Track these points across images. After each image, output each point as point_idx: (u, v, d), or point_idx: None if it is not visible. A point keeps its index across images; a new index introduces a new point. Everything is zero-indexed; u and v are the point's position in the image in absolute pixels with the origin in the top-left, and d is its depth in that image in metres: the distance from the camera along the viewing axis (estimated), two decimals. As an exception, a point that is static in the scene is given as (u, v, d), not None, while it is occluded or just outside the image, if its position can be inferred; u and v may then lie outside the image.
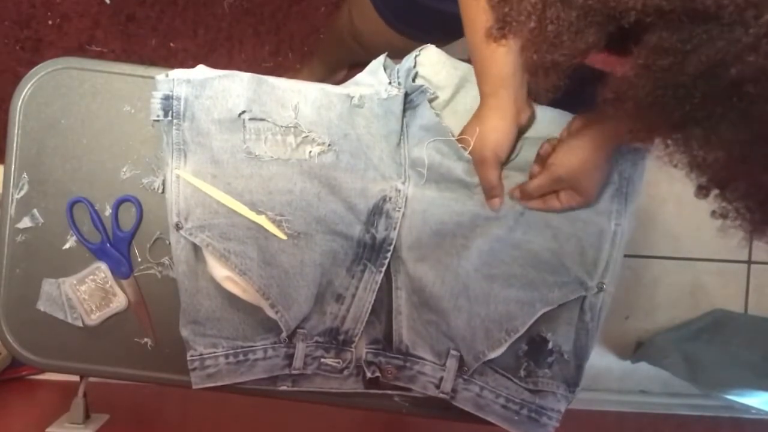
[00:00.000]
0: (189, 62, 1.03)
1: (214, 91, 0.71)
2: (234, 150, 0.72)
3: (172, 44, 1.52)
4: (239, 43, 1.54)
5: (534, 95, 0.63)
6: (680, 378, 1.43)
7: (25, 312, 0.77)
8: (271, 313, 0.72)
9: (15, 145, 0.77)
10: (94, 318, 0.77)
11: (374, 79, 0.76)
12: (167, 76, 0.72)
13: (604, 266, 0.75)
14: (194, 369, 0.74)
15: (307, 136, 0.72)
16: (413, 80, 0.75)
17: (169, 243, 0.74)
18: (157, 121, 0.72)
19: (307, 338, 0.75)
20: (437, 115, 0.74)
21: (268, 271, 0.71)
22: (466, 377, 0.75)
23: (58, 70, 0.77)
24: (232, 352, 0.74)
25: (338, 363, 0.76)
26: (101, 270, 0.77)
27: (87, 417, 0.82)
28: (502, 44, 0.60)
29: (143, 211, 0.77)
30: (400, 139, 0.76)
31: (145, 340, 0.78)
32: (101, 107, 0.77)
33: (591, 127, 0.66)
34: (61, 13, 1.49)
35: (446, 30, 0.79)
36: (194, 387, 0.74)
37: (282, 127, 0.72)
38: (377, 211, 0.74)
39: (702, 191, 0.47)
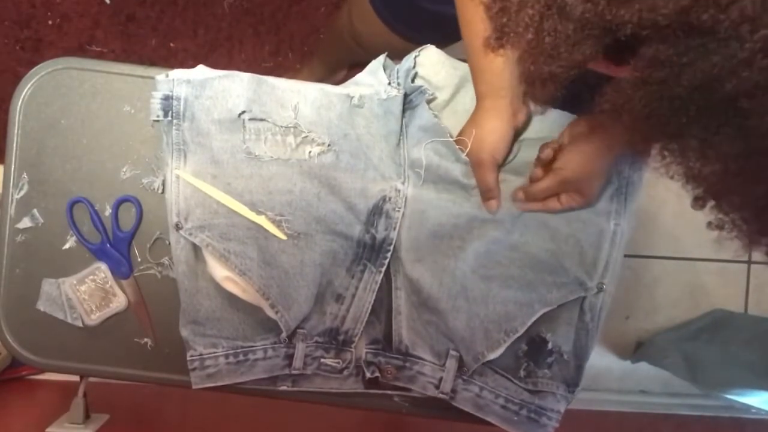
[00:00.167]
0: (189, 62, 1.03)
1: (214, 91, 0.71)
2: (234, 150, 0.72)
3: (172, 44, 1.52)
4: (239, 43, 1.54)
5: (532, 102, 0.63)
6: (680, 378, 1.43)
7: (25, 312, 0.77)
8: (271, 313, 0.72)
9: (15, 145, 0.77)
10: (94, 318, 0.77)
11: (374, 80, 0.76)
12: (167, 76, 0.72)
13: (603, 266, 0.75)
14: (194, 369, 0.74)
15: (306, 136, 0.72)
16: (413, 81, 0.75)
17: (169, 243, 0.74)
18: (157, 121, 0.72)
19: (307, 338, 0.75)
20: (435, 116, 0.74)
21: (268, 271, 0.71)
22: (465, 377, 0.75)
23: (58, 70, 0.77)
24: (232, 352, 0.74)
25: (338, 363, 0.76)
26: (101, 270, 0.77)
27: (87, 417, 0.82)
28: (499, 53, 0.60)
29: (143, 211, 0.77)
30: (399, 140, 0.76)
31: (145, 340, 0.78)
32: (101, 107, 0.77)
33: (599, 132, 0.66)
34: (61, 13, 1.49)
35: (445, 32, 0.79)
36: (194, 387, 0.74)
37: (282, 127, 0.72)
38: (377, 211, 0.74)
39: (698, 202, 0.47)
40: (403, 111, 0.75)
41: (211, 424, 1.00)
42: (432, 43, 0.77)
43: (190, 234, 0.71)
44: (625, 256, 0.76)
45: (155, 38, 1.51)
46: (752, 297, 1.65)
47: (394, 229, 0.74)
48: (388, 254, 0.75)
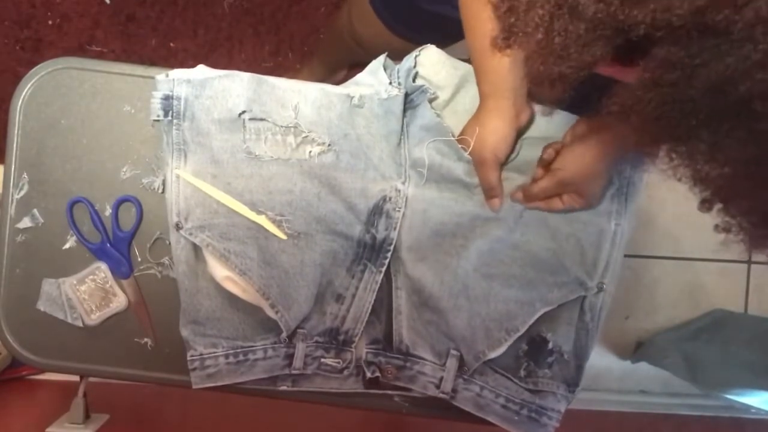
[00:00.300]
0: (189, 62, 1.03)
1: (214, 91, 0.71)
2: (234, 150, 0.72)
3: (172, 44, 1.52)
4: (239, 43, 1.54)
5: (538, 103, 0.63)
6: (680, 378, 1.43)
7: (25, 312, 0.77)
8: (271, 313, 0.72)
9: (15, 145, 0.77)
10: (94, 318, 0.77)
11: (374, 79, 0.76)
12: (167, 76, 0.72)
13: (604, 266, 0.75)
14: (194, 369, 0.74)
15: (307, 136, 0.72)
16: (413, 80, 0.75)
17: (169, 243, 0.74)
18: (157, 121, 0.72)
19: (307, 338, 0.75)
20: (438, 115, 0.74)
21: (268, 271, 0.71)
22: (466, 377, 0.75)
23: (58, 70, 0.77)
24: (232, 352, 0.74)
25: (338, 363, 0.76)
26: (101, 270, 0.77)
27: (87, 417, 0.82)
28: (505, 54, 0.60)
29: (143, 211, 0.77)
30: (400, 139, 0.76)
31: (145, 340, 0.78)
32: (101, 107, 0.77)
33: (599, 133, 0.66)
34: (61, 13, 1.49)
35: (445, 33, 0.79)
36: (194, 387, 0.74)
37: (282, 127, 0.72)
38: (377, 211, 0.74)
39: (705, 205, 0.46)
40: (404, 111, 0.75)
41: (211, 424, 1.00)
42: (432, 44, 0.77)
43: (191, 234, 0.71)
44: (625, 256, 0.76)
45: (155, 38, 1.51)
46: (752, 297, 1.65)
47: (395, 229, 0.74)
48: (389, 254, 0.74)
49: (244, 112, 0.71)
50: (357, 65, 0.84)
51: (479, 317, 0.73)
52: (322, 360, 0.76)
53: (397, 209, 0.74)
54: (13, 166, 0.77)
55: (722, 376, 1.36)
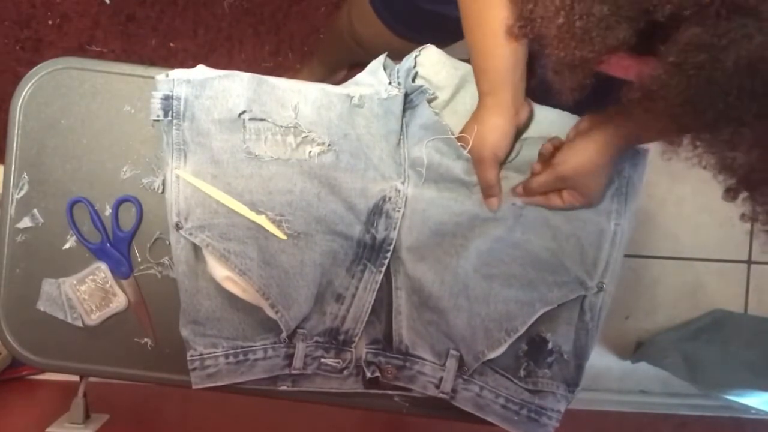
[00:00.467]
0: (189, 62, 1.03)
1: (214, 91, 0.71)
2: (234, 150, 0.72)
3: (172, 44, 1.52)
4: (239, 43, 1.54)
5: (556, 96, 0.62)
6: (680, 378, 1.43)
7: (25, 312, 0.77)
8: (271, 313, 0.72)
9: (15, 145, 0.77)
10: (94, 318, 0.77)
11: (374, 79, 0.76)
12: (167, 76, 0.72)
13: (604, 266, 0.75)
14: (194, 369, 0.74)
15: (307, 136, 0.72)
16: (413, 80, 0.75)
17: (169, 243, 0.74)
18: (157, 121, 0.72)
19: (307, 338, 0.75)
20: (436, 113, 0.74)
21: (268, 271, 0.71)
22: (465, 377, 0.75)
23: (58, 70, 0.77)
24: (232, 352, 0.74)
25: (338, 363, 0.76)
26: (101, 270, 0.77)
27: (87, 417, 0.82)
28: (509, 47, 0.60)
29: (143, 211, 0.77)
30: (399, 139, 0.76)
31: (145, 340, 0.78)
32: (101, 107, 0.77)
33: (598, 129, 0.66)
34: (61, 13, 1.49)
35: (445, 33, 0.79)
36: (194, 387, 0.74)
37: (282, 127, 0.72)
38: (377, 211, 0.74)
39: (730, 194, 0.46)
40: (404, 111, 0.75)
41: (211, 424, 1.00)
42: (432, 44, 0.77)
43: (190, 234, 0.71)
44: (625, 256, 0.76)
45: (155, 38, 1.51)
46: (752, 297, 1.65)
47: (394, 228, 0.74)
48: (388, 254, 0.74)
49: (244, 112, 0.71)
50: (357, 65, 0.84)
51: (479, 317, 0.73)
52: (322, 360, 0.76)
53: (396, 209, 0.74)
54: (13, 166, 0.77)
55: (722, 376, 1.36)
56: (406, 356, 0.76)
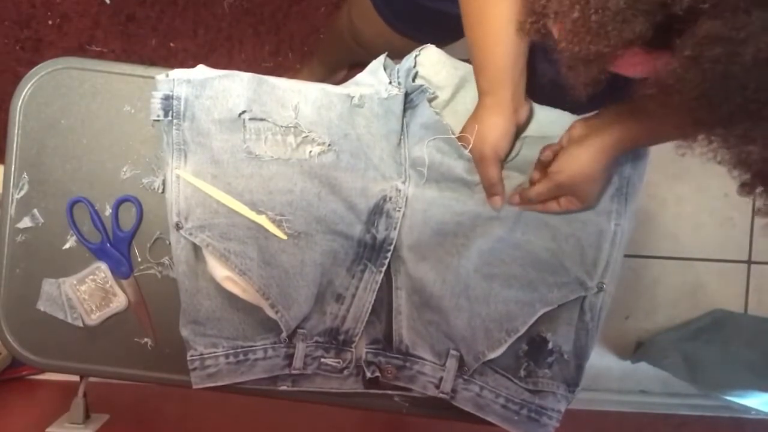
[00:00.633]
0: (189, 62, 1.03)
1: (215, 91, 0.71)
2: (234, 150, 0.72)
3: (172, 44, 1.52)
4: (239, 43, 1.54)
5: (570, 93, 0.61)
6: (680, 379, 1.43)
7: (25, 312, 0.77)
8: (271, 313, 0.72)
9: (15, 145, 0.77)
10: (94, 318, 0.77)
11: (374, 79, 0.76)
12: (167, 76, 0.72)
13: (604, 266, 0.75)
14: (194, 369, 0.74)
15: (307, 136, 0.72)
16: (413, 80, 0.75)
17: (169, 243, 0.74)
18: (157, 121, 0.72)
19: (307, 338, 0.75)
20: (437, 113, 0.74)
21: (268, 271, 0.71)
22: (466, 377, 0.75)
23: (58, 70, 0.77)
24: (232, 351, 0.74)
25: (338, 363, 0.76)
26: (101, 270, 0.77)
27: (87, 417, 0.82)
28: (512, 38, 0.59)
29: (143, 211, 0.77)
30: (400, 139, 0.76)
31: (145, 340, 0.78)
32: (101, 107, 0.77)
33: (594, 136, 0.66)
34: (61, 13, 1.49)
35: (446, 31, 0.79)
36: (194, 387, 0.74)
37: (282, 127, 0.72)
38: (377, 210, 0.74)
39: (746, 189, 0.45)
40: (404, 110, 0.75)
41: (211, 424, 1.00)
42: (432, 42, 0.77)
43: (191, 234, 0.71)
44: (625, 256, 0.76)
45: (155, 38, 1.51)
46: (752, 297, 1.65)
47: (395, 228, 0.74)
48: (389, 254, 0.74)
49: (244, 112, 0.71)
50: (357, 65, 0.84)
51: (479, 318, 0.73)
52: (322, 360, 0.76)
53: (397, 209, 0.74)
54: (13, 166, 0.77)
55: (722, 376, 1.35)
56: (406, 356, 0.76)
